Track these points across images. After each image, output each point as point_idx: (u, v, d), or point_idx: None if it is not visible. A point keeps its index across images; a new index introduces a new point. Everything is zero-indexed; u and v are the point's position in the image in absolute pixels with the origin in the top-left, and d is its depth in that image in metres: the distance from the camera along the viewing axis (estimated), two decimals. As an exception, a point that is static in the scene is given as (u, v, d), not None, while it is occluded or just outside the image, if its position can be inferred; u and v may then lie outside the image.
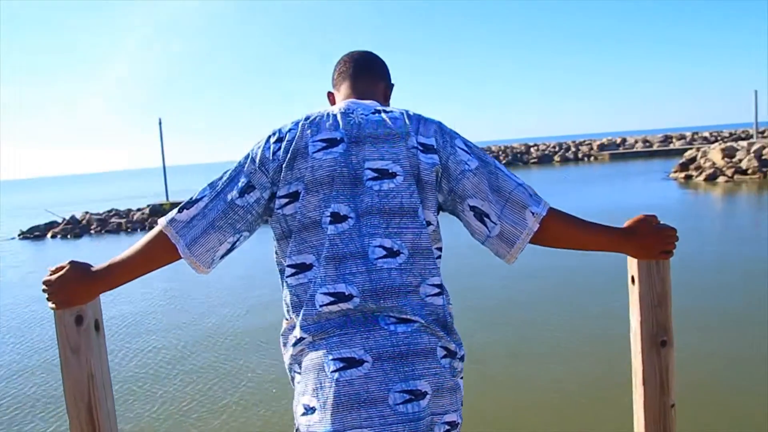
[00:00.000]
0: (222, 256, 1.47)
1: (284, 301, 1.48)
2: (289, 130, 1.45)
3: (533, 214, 1.43)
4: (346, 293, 1.36)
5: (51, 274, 1.41)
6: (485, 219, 1.44)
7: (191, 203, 1.45)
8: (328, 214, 1.38)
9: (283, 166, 1.41)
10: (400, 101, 1.68)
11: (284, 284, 1.46)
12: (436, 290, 1.42)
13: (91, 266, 1.43)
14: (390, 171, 1.39)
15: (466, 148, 1.46)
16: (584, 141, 54.62)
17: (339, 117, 1.46)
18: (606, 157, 47.88)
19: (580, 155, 49.37)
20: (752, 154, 22.35)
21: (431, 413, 1.33)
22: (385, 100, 1.66)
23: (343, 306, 1.36)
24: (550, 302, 7.70)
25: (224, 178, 1.47)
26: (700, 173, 23.97)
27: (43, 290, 1.41)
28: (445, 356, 1.38)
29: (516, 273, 8.10)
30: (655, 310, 1.50)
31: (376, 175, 1.39)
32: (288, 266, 1.43)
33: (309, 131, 1.43)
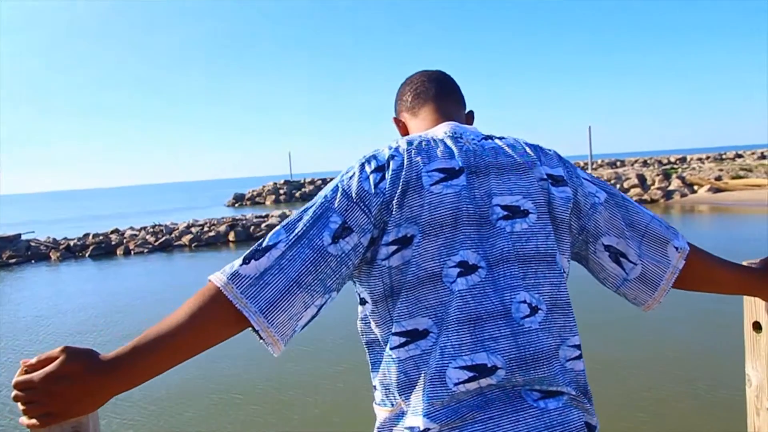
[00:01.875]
0: (303, 326, 1.06)
1: (381, 382, 1.11)
2: (391, 156, 1.11)
3: (677, 249, 1.21)
4: (489, 365, 1.03)
5: (27, 370, 0.90)
6: (621, 259, 1.20)
7: (261, 251, 1.03)
8: (454, 263, 1.06)
9: (392, 202, 1.07)
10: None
11: (385, 359, 1.09)
12: (577, 352, 1.12)
13: (99, 355, 0.93)
14: (522, 208, 1.12)
15: (589, 178, 1.24)
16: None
17: (450, 142, 1.16)
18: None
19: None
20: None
21: None
22: None
23: (484, 382, 1.03)
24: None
25: (305, 218, 1.06)
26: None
27: (18, 398, 0.89)
28: None
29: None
30: (787, 361, 1.30)
31: (507, 213, 1.11)
32: (395, 335, 1.07)
33: (419, 158, 1.11)
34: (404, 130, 1.36)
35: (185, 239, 18.73)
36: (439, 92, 1.33)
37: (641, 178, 24.33)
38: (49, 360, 0.89)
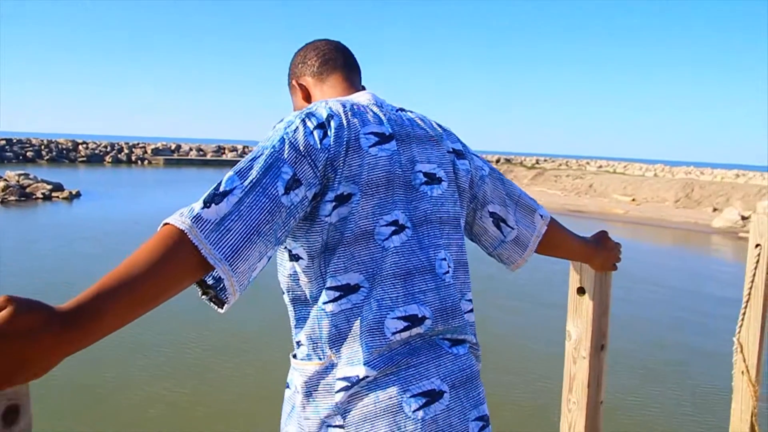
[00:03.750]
0: (253, 279, 1.00)
1: (306, 335, 1.14)
2: (330, 115, 1.12)
3: (542, 217, 1.42)
4: (420, 315, 1.13)
5: None
6: (501, 224, 1.38)
7: (220, 195, 0.96)
8: (386, 222, 1.13)
9: (335, 159, 1.09)
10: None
11: (315, 314, 1.12)
12: (471, 306, 1.27)
13: (53, 307, 0.75)
14: (437, 176, 1.24)
15: (476, 154, 1.39)
16: (138, 143, 53.38)
17: (376, 109, 1.22)
18: (160, 161, 47.87)
19: (133, 158, 48.11)
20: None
21: None
22: None
23: (415, 331, 1.13)
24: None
25: (257, 166, 1.01)
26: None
27: None
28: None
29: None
30: (601, 318, 1.61)
31: (426, 179, 1.21)
32: (329, 289, 1.11)
33: (355, 120, 1.15)
34: (305, 95, 1.35)
35: None
36: (346, 62, 1.36)
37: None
38: None
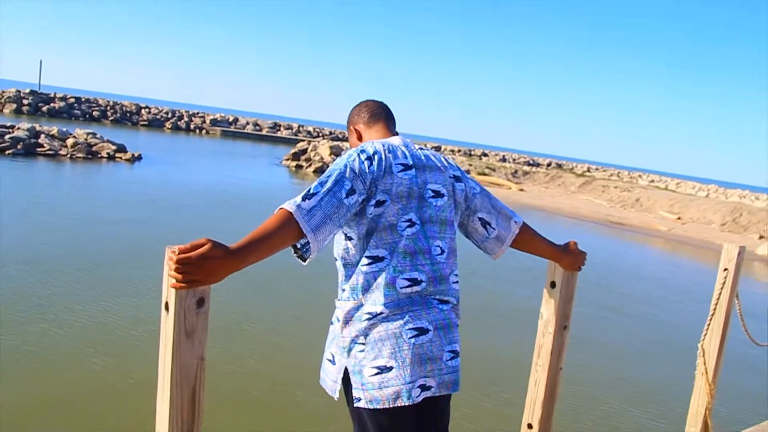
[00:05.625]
0: (324, 246, 1.64)
1: (349, 285, 1.78)
2: (375, 152, 1.77)
3: (516, 222, 2.07)
4: (419, 279, 1.77)
5: (181, 252, 1.33)
6: (487, 226, 2.02)
7: (310, 195, 1.61)
8: (404, 220, 1.77)
9: (377, 179, 1.72)
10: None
11: (356, 273, 1.77)
12: (457, 279, 1.90)
13: (227, 245, 1.39)
14: (440, 192, 1.88)
15: (470, 178, 2.04)
16: (197, 113, 55.03)
17: (404, 149, 1.86)
18: (217, 132, 49.33)
19: (192, 126, 49.65)
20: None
21: None
22: None
23: (414, 289, 1.77)
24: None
25: (330, 180, 1.66)
26: (310, 165, 27.13)
27: (178, 269, 1.31)
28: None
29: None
30: (565, 306, 2.19)
31: (433, 194, 1.86)
32: (365, 257, 1.75)
33: (390, 155, 1.81)
34: (358, 136, 2.03)
35: None
36: (387, 116, 2.05)
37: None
38: (198, 245, 1.34)
